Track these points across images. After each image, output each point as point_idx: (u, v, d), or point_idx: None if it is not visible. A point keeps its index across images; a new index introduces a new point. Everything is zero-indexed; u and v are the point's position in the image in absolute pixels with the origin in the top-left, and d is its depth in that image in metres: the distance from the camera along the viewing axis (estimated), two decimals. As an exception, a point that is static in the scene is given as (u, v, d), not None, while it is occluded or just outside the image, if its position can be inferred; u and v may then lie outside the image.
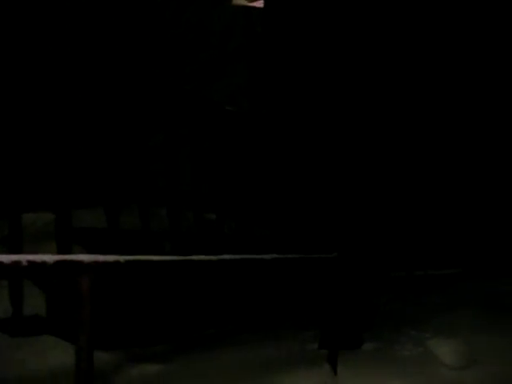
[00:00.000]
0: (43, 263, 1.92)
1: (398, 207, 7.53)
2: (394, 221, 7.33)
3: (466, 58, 7.93)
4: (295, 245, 6.38)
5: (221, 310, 6.40)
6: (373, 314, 5.60)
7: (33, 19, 5.30)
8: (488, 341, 4.66)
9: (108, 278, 2.28)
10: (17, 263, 1.84)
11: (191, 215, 6.90)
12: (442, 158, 8.15)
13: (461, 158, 8.14)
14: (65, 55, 5.40)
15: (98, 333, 2.28)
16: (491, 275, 7.29)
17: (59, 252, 5.21)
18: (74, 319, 2.13)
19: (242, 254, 5.11)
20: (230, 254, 6.31)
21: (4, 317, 4.73)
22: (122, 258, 2.22)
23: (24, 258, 1.87)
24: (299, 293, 6.64)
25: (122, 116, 6.19)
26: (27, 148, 5.23)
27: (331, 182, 6.36)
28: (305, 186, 7.26)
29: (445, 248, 8.03)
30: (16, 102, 5.13)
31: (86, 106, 5.82)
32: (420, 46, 7.82)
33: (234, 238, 7.22)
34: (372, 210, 6.25)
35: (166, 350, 5.31)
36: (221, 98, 8.09)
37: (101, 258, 2.21)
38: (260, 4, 8.72)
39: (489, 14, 7.70)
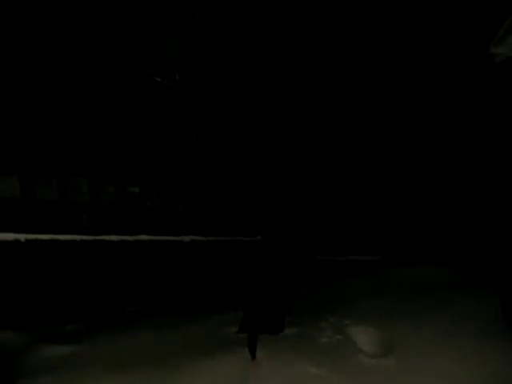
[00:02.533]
0: None
1: (323, 193, 7.54)
2: (318, 205, 7.33)
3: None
4: (220, 224, 6.23)
5: (137, 289, 6.19)
6: (294, 298, 5.56)
7: None
8: (406, 328, 4.69)
9: (10, 256, 2.06)
10: None
11: (113, 188, 6.63)
12: (367, 147, 8.21)
13: (383, 147, 8.23)
14: None
15: (4, 312, 2.08)
16: (410, 262, 7.41)
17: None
18: None
19: (163, 230, 4.94)
20: (151, 229, 6.12)
21: None
22: (22, 237, 2.00)
23: None
24: (220, 275, 6.53)
25: (52, 79, 5.80)
26: None
27: (257, 164, 6.26)
28: (232, 166, 7.12)
29: (366, 234, 8.13)
30: None
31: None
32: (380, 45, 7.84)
33: (156, 214, 6.99)
34: (296, 194, 6.20)
35: (77, 329, 5.08)
36: (153, 70, 7.79)
37: None
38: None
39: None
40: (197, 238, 3.53)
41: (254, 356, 4.12)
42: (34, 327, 4.88)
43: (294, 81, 6.91)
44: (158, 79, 7.00)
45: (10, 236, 1.88)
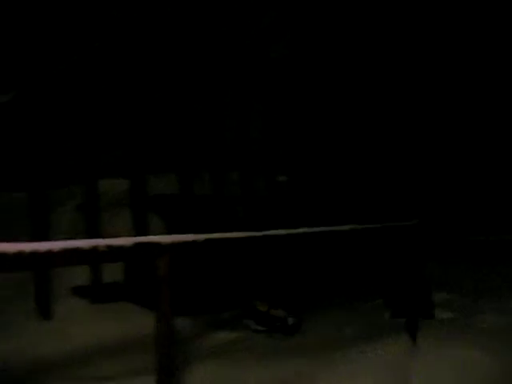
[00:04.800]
0: (121, 247, 1.90)
1: (476, 175, 7.25)
2: (471, 187, 7.08)
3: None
4: (370, 212, 6.24)
5: (289, 282, 6.27)
6: (447, 282, 5.44)
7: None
8: None
9: (186, 254, 2.24)
10: (95, 248, 1.82)
11: (262, 178, 6.84)
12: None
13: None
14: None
15: (179, 301, 2.28)
16: None
17: (134, 219, 5.28)
18: (154, 295, 2.12)
19: (312, 219, 5.01)
20: (301, 218, 6.21)
21: (84, 284, 4.87)
22: (199, 238, 2.18)
23: (102, 242, 1.86)
24: (370, 263, 6.50)
25: (193, 84, 6.13)
26: (101, 117, 5.28)
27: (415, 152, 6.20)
28: (387, 157, 7.10)
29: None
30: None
31: (159, 75, 5.80)
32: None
33: (305, 201, 7.11)
34: (452, 179, 6.06)
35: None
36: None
37: (178, 237, 2.18)
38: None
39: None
40: (356, 226, 3.55)
41: (414, 340, 4.10)
42: (206, 314, 5.18)
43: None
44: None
45: (188, 237, 2.07)
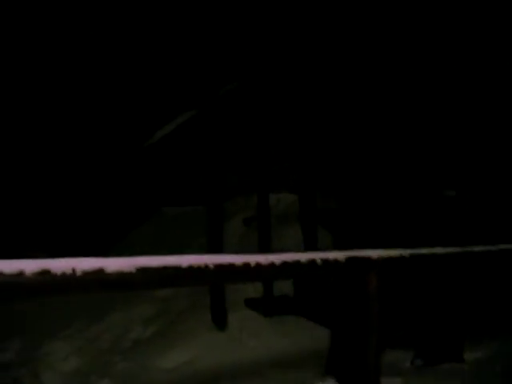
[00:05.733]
0: (335, 261, 1.85)
1: None
2: None
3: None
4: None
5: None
6: None
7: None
8: None
9: (392, 270, 2.14)
10: (313, 262, 1.78)
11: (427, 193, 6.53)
12: None
13: None
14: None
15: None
16: None
17: (304, 234, 5.28)
18: (361, 317, 2.03)
19: (486, 238, 4.56)
20: (472, 236, 5.71)
21: (256, 296, 4.94)
22: (405, 253, 2.08)
23: (318, 256, 1.82)
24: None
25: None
26: (270, 134, 5.31)
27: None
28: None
29: None
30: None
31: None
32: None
33: (477, 218, 6.66)
34: None
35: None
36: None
37: (384, 253, 2.09)
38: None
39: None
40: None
41: None
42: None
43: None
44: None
45: (395, 253, 1.97)
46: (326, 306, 4.69)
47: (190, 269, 1.49)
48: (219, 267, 1.54)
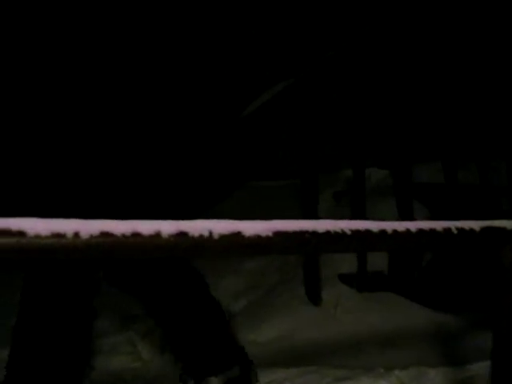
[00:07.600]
0: (471, 231, 1.72)
1: None
2: None
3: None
4: None
5: None
6: None
7: None
8: None
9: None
10: (449, 230, 1.66)
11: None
12: None
13: None
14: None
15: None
16: None
17: (399, 208, 5.12)
18: (495, 299, 1.90)
19: None
20: None
21: (349, 272, 4.84)
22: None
23: (453, 224, 1.69)
24: None
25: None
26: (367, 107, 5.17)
27: None
28: None
29: None
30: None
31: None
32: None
33: None
34: None
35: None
36: None
37: (518, 223, 1.94)
38: None
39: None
40: None
41: None
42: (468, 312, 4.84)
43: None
44: None
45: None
46: (422, 284, 4.58)
47: (328, 234, 1.40)
48: (356, 233, 1.45)
